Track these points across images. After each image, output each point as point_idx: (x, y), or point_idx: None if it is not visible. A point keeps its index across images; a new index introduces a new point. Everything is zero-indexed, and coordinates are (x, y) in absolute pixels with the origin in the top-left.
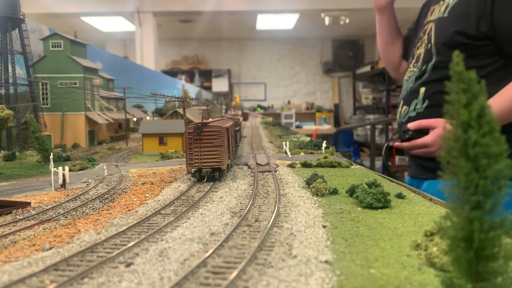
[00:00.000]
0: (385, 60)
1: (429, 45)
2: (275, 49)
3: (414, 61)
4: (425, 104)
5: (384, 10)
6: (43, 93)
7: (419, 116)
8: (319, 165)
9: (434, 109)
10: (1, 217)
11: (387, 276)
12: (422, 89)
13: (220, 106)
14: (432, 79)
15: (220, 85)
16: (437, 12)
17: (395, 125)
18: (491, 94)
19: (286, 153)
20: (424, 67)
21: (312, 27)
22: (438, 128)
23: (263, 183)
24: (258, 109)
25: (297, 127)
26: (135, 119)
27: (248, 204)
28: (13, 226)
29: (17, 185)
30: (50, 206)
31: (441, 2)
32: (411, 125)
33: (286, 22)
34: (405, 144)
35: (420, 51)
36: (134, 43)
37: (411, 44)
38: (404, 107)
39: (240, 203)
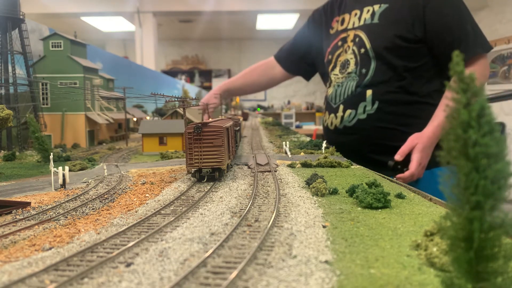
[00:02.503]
0: (271, 86)
1: (363, 50)
2: (275, 49)
3: (340, 68)
4: (375, 106)
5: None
6: (43, 93)
7: (370, 118)
8: (319, 165)
9: (386, 109)
10: (1, 217)
11: (387, 276)
12: (369, 92)
13: (220, 106)
14: (378, 81)
15: None
16: (357, 20)
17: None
18: (428, 90)
19: (286, 153)
20: (364, 70)
21: None
22: (415, 153)
23: (263, 183)
24: (258, 109)
25: (297, 127)
26: (135, 119)
27: (248, 204)
28: (13, 226)
29: (17, 185)
30: (50, 206)
31: (357, 12)
32: (399, 157)
33: (286, 22)
34: (408, 174)
35: (346, 57)
36: (134, 43)
37: (313, 54)
38: (348, 111)
39: (240, 203)
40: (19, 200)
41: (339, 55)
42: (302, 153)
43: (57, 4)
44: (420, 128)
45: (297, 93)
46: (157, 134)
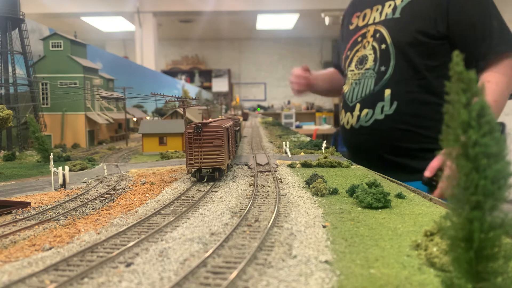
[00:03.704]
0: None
1: (383, 46)
2: (275, 49)
3: (356, 63)
4: (394, 106)
5: (309, 92)
6: (43, 93)
7: (387, 119)
8: (319, 165)
9: (404, 109)
10: (1, 217)
11: (387, 276)
12: (388, 91)
13: (220, 106)
14: (397, 79)
15: (220, 85)
16: (378, 15)
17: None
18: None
19: (286, 153)
20: (383, 68)
21: (312, 27)
22: (446, 169)
23: (263, 183)
24: (258, 109)
25: (297, 127)
26: (135, 119)
27: (248, 204)
28: (13, 226)
29: (17, 185)
30: (50, 206)
31: (378, 6)
32: (428, 174)
33: (286, 22)
34: (439, 191)
35: (364, 53)
36: (134, 43)
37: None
38: (365, 110)
39: (240, 203)
40: (19, 200)
41: (357, 51)
42: (302, 153)
43: (57, 4)
44: (439, 131)
45: None
46: (157, 134)
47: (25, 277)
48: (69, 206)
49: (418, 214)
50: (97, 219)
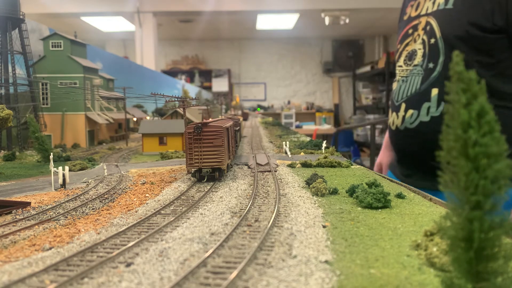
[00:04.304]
0: None
1: (433, 40)
2: (275, 49)
3: (405, 58)
4: (440, 108)
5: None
6: (43, 93)
7: (433, 121)
8: (319, 165)
9: None
10: (1, 217)
11: (387, 276)
12: (435, 91)
13: (220, 106)
14: (447, 77)
15: (220, 85)
16: (431, 5)
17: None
18: (506, 92)
19: (286, 153)
20: (431, 65)
21: (312, 27)
22: None
23: (263, 183)
24: (258, 109)
25: (297, 127)
26: (135, 119)
27: (248, 204)
28: (13, 226)
29: (17, 185)
30: (50, 206)
31: None
32: None
33: (286, 22)
34: None
35: (414, 47)
36: (134, 43)
37: None
38: (410, 111)
39: (240, 203)
40: (19, 200)
41: (407, 44)
42: (302, 153)
43: (57, 4)
44: None
45: (297, 93)
46: (157, 134)
47: (25, 277)
48: (69, 206)
49: (418, 214)
50: (97, 219)
